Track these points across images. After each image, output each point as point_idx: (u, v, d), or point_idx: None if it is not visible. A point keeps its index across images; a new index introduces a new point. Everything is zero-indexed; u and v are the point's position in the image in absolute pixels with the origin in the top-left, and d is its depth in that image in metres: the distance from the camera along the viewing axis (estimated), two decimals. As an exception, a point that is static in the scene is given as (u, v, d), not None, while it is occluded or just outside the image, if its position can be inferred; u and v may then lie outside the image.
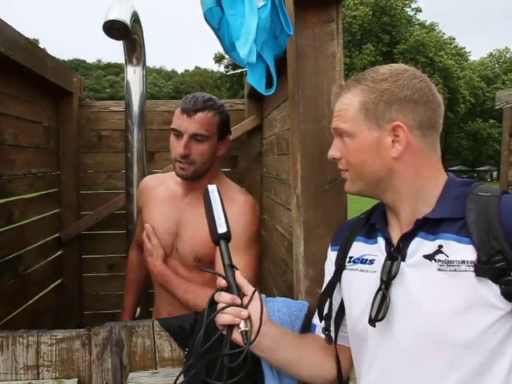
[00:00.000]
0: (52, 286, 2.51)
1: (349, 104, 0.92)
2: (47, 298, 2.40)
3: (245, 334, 0.93)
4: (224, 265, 0.99)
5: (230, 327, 0.94)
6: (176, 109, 1.50)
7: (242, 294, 0.97)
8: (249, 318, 0.93)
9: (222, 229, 1.01)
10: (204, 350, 0.93)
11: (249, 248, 1.54)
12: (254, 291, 0.96)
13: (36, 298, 2.24)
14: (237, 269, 0.99)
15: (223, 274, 0.98)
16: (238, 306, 0.94)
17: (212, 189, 1.07)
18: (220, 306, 0.94)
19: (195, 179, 1.52)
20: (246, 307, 0.94)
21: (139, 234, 1.82)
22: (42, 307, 2.31)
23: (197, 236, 1.51)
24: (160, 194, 1.65)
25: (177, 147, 1.47)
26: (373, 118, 0.89)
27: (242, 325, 0.93)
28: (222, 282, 0.97)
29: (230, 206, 1.50)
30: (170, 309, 1.57)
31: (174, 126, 1.48)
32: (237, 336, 0.94)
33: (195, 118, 1.46)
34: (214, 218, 1.03)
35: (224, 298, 0.95)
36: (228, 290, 0.97)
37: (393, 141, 0.89)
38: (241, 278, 0.98)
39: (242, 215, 1.51)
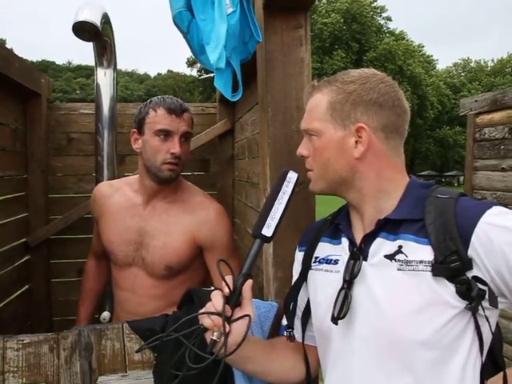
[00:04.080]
0: (19, 292, 2.44)
1: (317, 104, 0.95)
2: (14, 304, 2.33)
3: (212, 343, 0.87)
4: (241, 270, 0.90)
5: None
6: (152, 112, 1.44)
7: (238, 303, 0.90)
8: (227, 334, 0.87)
9: (266, 231, 0.90)
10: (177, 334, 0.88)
11: (235, 253, 1.57)
12: (248, 315, 0.89)
13: (1, 304, 2.18)
14: (251, 278, 0.90)
15: (236, 276, 0.90)
16: (225, 318, 0.87)
17: (291, 177, 0.93)
18: (209, 307, 0.89)
19: (173, 181, 1.49)
20: (230, 322, 0.89)
21: (96, 244, 1.77)
22: (8, 314, 2.25)
23: (168, 245, 1.48)
24: (116, 202, 1.58)
25: (168, 148, 1.42)
26: (339, 119, 0.92)
27: (216, 334, 0.87)
28: (225, 290, 0.89)
29: (202, 212, 1.50)
30: (131, 317, 1.53)
31: (162, 127, 1.42)
32: (208, 337, 0.90)
33: (184, 117, 1.45)
34: (267, 214, 0.91)
35: (218, 304, 0.89)
36: (229, 295, 0.89)
37: (356, 141, 0.91)
38: (248, 292, 0.91)
39: (222, 222, 1.52)
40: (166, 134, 1.43)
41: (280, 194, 0.91)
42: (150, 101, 1.49)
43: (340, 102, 0.92)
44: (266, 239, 0.91)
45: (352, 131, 0.91)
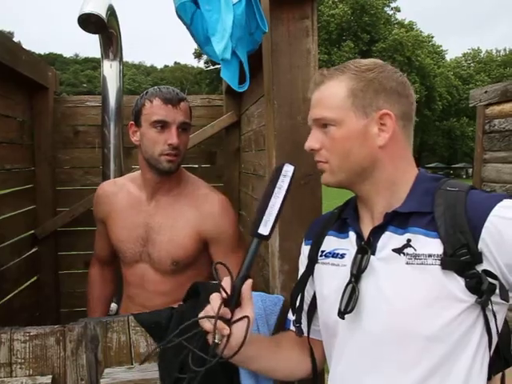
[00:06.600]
0: (27, 283, 2.47)
1: (334, 92, 0.91)
2: (22, 295, 2.35)
3: (213, 346, 0.85)
4: (239, 272, 0.88)
5: None
6: (148, 103, 1.42)
7: (238, 303, 0.89)
8: (228, 336, 0.87)
9: (263, 229, 0.86)
10: (179, 338, 0.88)
11: (241, 245, 1.54)
12: (247, 316, 0.88)
13: (11, 295, 2.20)
14: (250, 278, 0.89)
15: (236, 274, 0.88)
16: (224, 320, 0.87)
17: (287, 170, 0.88)
18: (208, 310, 0.88)
19: (174, 173, 1.47)
20: (231, 324, 0.88)
21: (100, 248, 1.73)
22: (17, 305, 2.27)
23: (174, 240, 1.47)
24: (123, 200, 1.56)
25: (166, 139, 1.40)
26: (360, 106, 0.89)
27: (217, 337, 0.86)
28: (223, 294, 0.87)
29: (206, 205, 1.49)
30: (141, 310, 1.54)
31: (159, 118, 1.39)
32: (210, 340, 0.89)
33: (180, 107, 1.42)
34: (264, 212, 0.86)
35: (216, 307, 0.87)
36: (227, 299, 0.87)
37: (379, 129, 0.89)
38: (248, 292, 0.90)
39: (227, 215, 1.50)
40: (162, 125, 1.40)
41: (276, 188, 0.86)
42: (147, 92, 1.46)
43: (362, 90, 0.89)
44: (264, 237, 0.88)
45: (375, 119, 0.89)
